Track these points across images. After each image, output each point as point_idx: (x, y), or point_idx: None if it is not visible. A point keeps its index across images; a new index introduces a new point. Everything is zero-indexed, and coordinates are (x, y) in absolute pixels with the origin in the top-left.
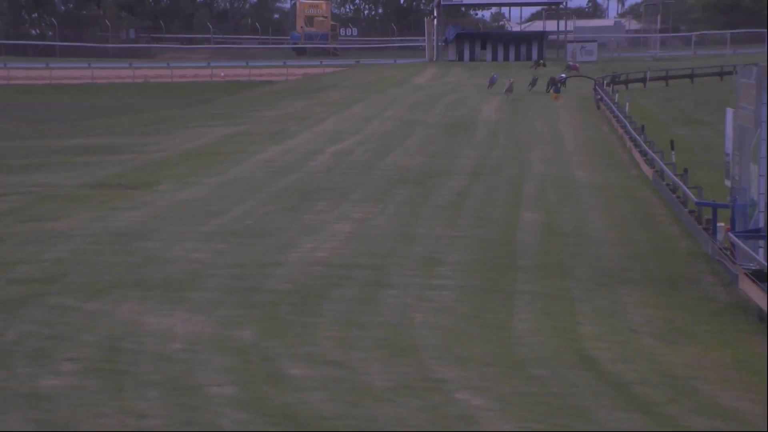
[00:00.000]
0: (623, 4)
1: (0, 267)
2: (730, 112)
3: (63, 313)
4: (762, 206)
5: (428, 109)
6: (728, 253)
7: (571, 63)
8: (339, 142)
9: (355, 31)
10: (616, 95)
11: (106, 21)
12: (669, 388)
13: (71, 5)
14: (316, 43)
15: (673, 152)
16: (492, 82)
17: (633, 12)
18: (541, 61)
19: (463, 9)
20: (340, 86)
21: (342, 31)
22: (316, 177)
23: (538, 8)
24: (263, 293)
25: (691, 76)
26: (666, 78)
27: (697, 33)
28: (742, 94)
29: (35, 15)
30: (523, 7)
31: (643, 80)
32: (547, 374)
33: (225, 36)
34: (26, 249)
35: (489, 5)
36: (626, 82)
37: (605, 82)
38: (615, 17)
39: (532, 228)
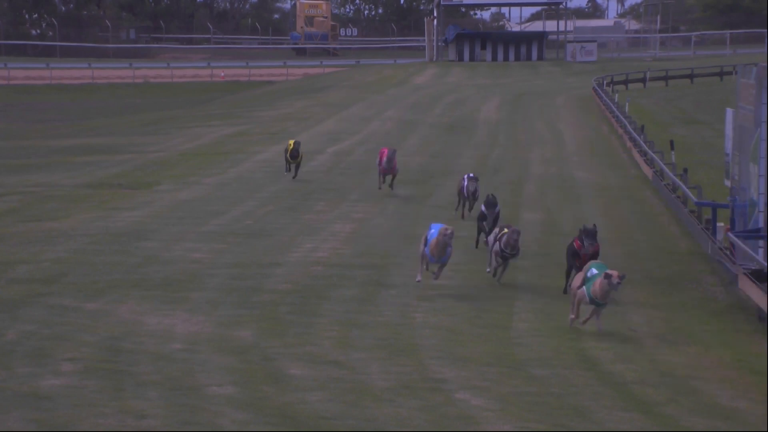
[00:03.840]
0: (623, 4)
1: (0, 267)
2: (730, 112)
3: (63, 313)
4: (762, 206)
5: (428, 109)
6: (728, 253)
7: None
8: (339, 142)
9: (355, 31)
10: (616, 95)
11: (106, 21)
12: (669, 388)
13: (71, 5)
14: (316, 43)
15: (672, 152)
16: None
17: (633, 12)
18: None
19: (463, 9)
20: (340, 86)
21: (342, 31)
22: (316, 177)
23: (538, 8)
24: (263, 293)
25: (691, 76)
26: (666, 78)
27: (697, 33)
28: (742, 94)
29: (35, 15)
30: (523, 7)
31: (643, 80)
32: (547, 374)
33: (225, 36)
34: (26, 249)
35: (489, 5)
36: (626, 82)
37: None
38: (615, 17)
39: (532, 228)
